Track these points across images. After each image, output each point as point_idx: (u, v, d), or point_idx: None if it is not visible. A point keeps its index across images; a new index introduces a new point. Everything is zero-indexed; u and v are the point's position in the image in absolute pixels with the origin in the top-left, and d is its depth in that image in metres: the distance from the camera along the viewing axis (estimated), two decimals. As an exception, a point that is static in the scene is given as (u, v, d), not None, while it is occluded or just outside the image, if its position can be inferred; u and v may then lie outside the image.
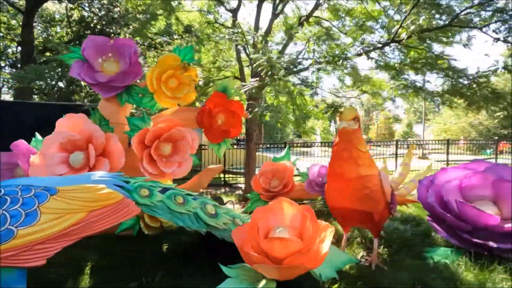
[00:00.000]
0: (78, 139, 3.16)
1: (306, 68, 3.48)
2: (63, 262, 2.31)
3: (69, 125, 3.24)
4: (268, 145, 12.81)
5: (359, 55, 3.21)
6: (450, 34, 3.28)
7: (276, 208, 2.23)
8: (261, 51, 3.29)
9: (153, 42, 11.45)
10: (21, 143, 3.32)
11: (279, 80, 3.50)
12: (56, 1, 14.33)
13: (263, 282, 1.92)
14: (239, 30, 3.80)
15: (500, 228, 2.59)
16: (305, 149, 21.09)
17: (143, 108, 4.02)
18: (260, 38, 3.67)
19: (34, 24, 15.05)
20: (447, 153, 9.56)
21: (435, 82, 3.67)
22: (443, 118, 25.90)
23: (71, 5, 14.37)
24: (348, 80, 7.42)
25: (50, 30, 15.64)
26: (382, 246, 2.83)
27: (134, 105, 4.10)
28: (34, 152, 3.30)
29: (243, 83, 3.53)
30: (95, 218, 1.68)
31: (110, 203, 1.73)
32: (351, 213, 2.46)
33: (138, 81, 3.75)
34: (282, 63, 3.44)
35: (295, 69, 3.38)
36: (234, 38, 3.83)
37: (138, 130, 3.35)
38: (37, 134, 3.56)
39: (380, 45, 3.59)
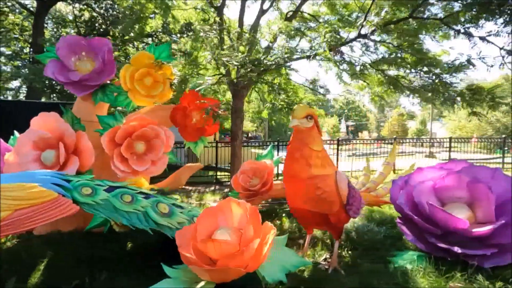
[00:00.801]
0: (50, 137, 3.22)
1: (277, 65, 3.37)
2: (19, 258, 2.35)
3: (42, 123, 3.30)
4: (274, 143, 12.67)
5: (325, 51, 3.09)
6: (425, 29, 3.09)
7: (224, 208, 2.19)
8: (233, 48, 3.23)
9: (154, 40, 11.58)
10: (3, 145, 3.42)
11: (254, 79, 3.44)
12: (66, 3, 14.75)
13: (201, 283, 1.89)
14: (217, 27, 3.74)
15: (469, 233, 2.44)
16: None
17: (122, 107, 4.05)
18: (237, 34, 3.60)
19: (45, 25, 15.65)
20: (449, 151, 9.23)
21: (414, 78, 3.50)
22: (458, 115, 24.89)
23: (81, 6, 14.77)
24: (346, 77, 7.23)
25: (60, 30, 16.14)
26: (347, 249, 2.73)
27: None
28: (10, 150, 3.38)
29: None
30: (24, 216, 1.69)
31: (41, 201, 1.74)
32: (307, 214, 2.39)
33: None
34: (256, 61, 3.36)
35: (265, 66, 3.28)
36: (211, 35, 3.78)
37: (110, 128, 3.37)
38: (16, 132, 3.65)
39: (350, 40, 3.44)
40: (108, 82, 3.65)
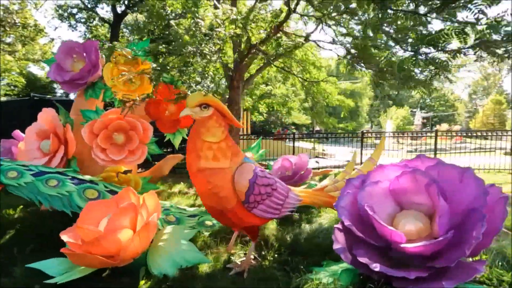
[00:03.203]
0: (46, 129, 3.81)
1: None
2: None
3: (43, 117, 3.92)
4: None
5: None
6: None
7: (122, 197, 2.25)
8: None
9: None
10: (17, 133, 4.20)
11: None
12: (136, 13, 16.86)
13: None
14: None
15: (402, 249, 1.93)
16: (377, 141, 19.03)
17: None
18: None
19: (122, 33, 18.16)
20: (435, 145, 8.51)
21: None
22: None
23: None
24: None
25: (133, 38, 18.50)
26: (273, 252, 2.47)
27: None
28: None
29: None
30: None
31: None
32: (210, 210, 2.25)
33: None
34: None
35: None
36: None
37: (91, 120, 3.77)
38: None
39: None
40: (98, 79, 4.06)
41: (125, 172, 3.90)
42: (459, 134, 14.57)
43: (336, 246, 2.27)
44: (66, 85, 3.97)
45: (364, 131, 10.11)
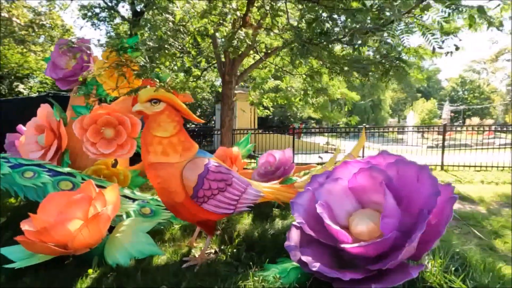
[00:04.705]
0: (42, 124, 4.05)
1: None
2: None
3: (41, 113, 4.17)
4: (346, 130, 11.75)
5: None
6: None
7: (83, 189, 2.35)
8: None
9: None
10: (20, 127, 4.50)
11: None
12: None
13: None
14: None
15: (350, 249, 1.85)
16: (400, 136, 18.13)
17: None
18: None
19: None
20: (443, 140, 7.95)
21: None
22: None
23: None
24: None
25: (152, 34, 18.99)
26: (232, 248, 2.47)
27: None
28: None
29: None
30: None
31: None
32: (164, 204, 2.29)
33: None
34: None
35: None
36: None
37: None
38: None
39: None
40: (90, 76, 4.23)
41: (114, 165, 4.06)
42: (456, 130, 13.62)
43: (287, 243, 2.22)
44: (60, 82, 4.18)
45: (367, 126, 9.68)
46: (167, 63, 2.98)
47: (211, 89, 8.52)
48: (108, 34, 19.67)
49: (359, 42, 1.80)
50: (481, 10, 2.10)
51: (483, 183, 5.68)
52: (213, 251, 2.51)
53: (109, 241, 2.27)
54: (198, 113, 15.53)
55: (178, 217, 2.53)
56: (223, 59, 4.99)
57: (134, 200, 3.24)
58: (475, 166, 7.32)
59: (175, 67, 2.74)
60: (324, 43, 1.94)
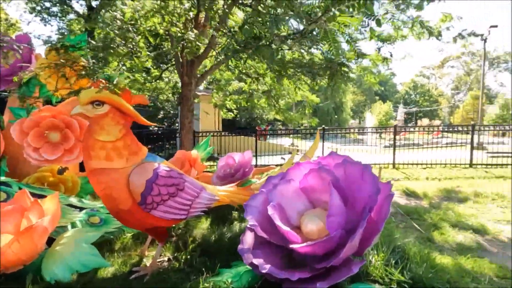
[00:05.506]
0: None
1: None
2: None
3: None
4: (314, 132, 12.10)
5: None
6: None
7: (17, 199, 2.13)
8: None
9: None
10: None
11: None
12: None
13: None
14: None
15: (299, 249, 1.88)
16: (360, 137, 19.08)
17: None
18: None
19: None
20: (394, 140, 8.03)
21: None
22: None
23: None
24: None
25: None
26: (185, 253, 2.40)
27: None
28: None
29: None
30: None
31: None
32: (109, 211, 2.16)
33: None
34: None
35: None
36: None
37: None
38: None
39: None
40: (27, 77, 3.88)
41: (60, 172, 3.76)
42: (406, 130, 14.86)
43: (240, 247, 2.21)
44: (-4, 81, 3.78)
45: (326, 128, 10.09)
46: (115, 64, 2.82)
47: (173, 91, 8.27)
48: (61, 31, 18.30)
49: (287, 47, 1.87)
50: (421, 22, 2.31)
51: (428, 179, 6.18)
52: (166, 259, 2.42)
53: (47, 255, 2.08)
54: (160, 115, 15.00)
55: (125, 225, 2.40)
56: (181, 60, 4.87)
57: (81, 209, 3.03)
58: (422, 164, 7.94)
59: (124, 68, 2.60)
60: (255, 46, 1.98)
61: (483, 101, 28.66)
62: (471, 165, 7.80)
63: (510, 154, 8.72)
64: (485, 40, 18.08)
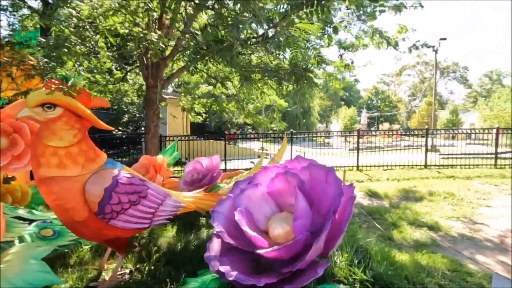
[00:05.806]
0: None
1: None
2: None
3: None
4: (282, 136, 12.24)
5: None
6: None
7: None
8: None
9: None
10: None
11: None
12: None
13: None
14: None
15: (265, 254, 1.87)
16: (327, 140, 19.73)
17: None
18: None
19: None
20: (358, 143, 8.22)
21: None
22: (496, 104, 22.01)
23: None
24: None
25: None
26: (149, 264, 2.29)
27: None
28: None
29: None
30: None
31: None
32: (62, 222, 1.99)
33: None
34: None
35: None
36: None
37: (-40, 122, 3.23)
38: None
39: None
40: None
41: (6, 181, 3.42)
42: (369, 134, 15.81)
43: (207, 254, 2.15)
44: None
45: (294, 132, 10.33)
46: (71, 64, 2.62)
47: (138, 93, 7.94)
48: (11, 27, 16.80)
49: (250, 51, 1.89)
50: (380, 32, 2.46)
51: (388, 180, 6.55)
52: (127, 271, 2.29)
53: (-13, 275, 1.86)
54: (125, 119, 14.33)
55: (80, 237, 2.23)
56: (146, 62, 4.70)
57: (31, 221, 2.77)
58: (383, 166, 8.41)
59: (80, 68, 2.43)
60: (217, 49, 1.97)
61: (435, 107, 31.26)
62: (425, 166, 8.41)
63: (460, 156, 9.55)
64: (436, 51, 19.71)
